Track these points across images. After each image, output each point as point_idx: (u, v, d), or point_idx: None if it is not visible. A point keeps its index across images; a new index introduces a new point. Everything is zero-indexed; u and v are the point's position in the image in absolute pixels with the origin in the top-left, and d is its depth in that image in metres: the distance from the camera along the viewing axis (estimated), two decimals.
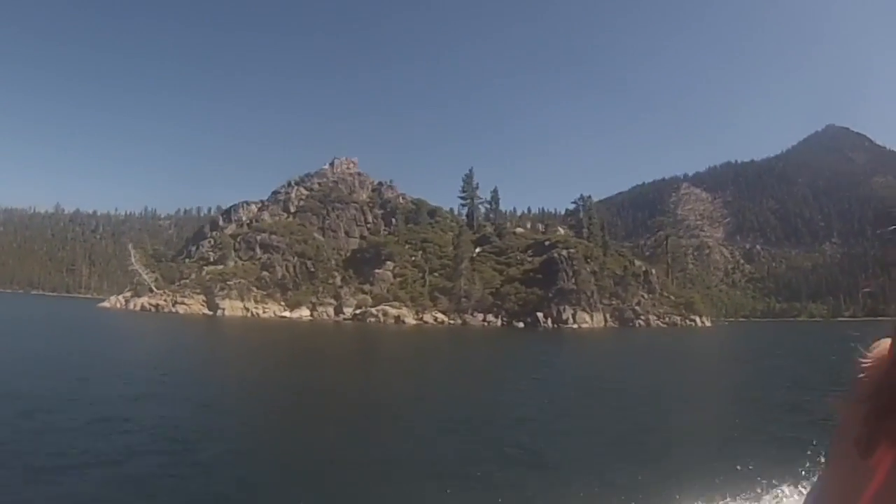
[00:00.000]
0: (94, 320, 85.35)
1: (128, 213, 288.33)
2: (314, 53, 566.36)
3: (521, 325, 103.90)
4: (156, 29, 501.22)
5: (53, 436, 17.27)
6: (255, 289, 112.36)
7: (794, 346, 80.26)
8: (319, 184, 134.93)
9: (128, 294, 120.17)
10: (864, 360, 1.21)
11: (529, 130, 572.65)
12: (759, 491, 10.89)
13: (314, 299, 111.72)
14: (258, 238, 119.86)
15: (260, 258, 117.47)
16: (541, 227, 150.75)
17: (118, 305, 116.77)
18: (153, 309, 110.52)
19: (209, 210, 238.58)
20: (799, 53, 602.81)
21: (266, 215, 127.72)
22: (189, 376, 33.99)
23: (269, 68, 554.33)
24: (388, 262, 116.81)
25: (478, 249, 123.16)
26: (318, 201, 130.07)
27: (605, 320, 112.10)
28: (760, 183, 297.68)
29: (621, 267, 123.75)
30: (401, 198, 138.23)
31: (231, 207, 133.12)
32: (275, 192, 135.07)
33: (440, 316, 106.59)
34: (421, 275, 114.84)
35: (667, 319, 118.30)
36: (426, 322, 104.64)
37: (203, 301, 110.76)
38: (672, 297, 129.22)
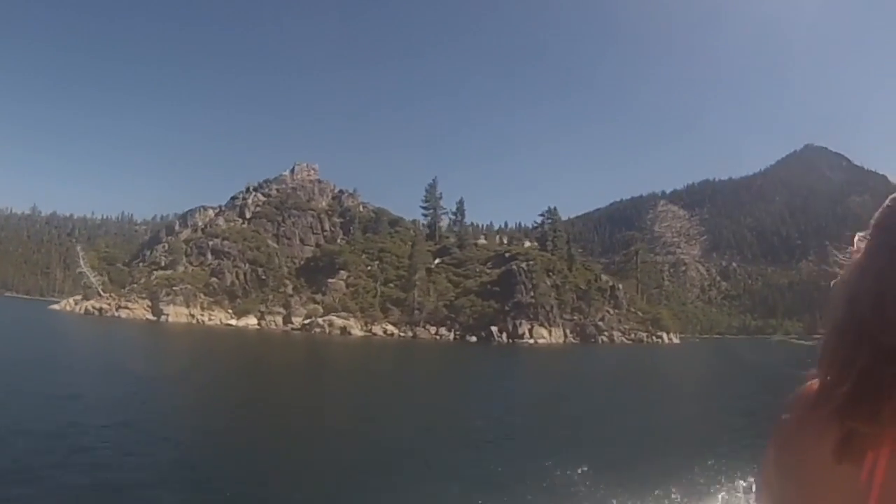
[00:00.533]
0: (28, 322, 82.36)
1: (104, 216, 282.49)
2: (314, 53, 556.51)
3: (473, 339, 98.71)
4: (145, 28, 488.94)
5: None
6: (202, 295, 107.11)
7: (756, 362, 76.03)
8: (278, 190, 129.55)
9: (78, 297, 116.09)
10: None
11: (504, 145, 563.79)
12: None
13: (263, 308, 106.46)
14: (210, 244, 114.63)
15: (210, 264, 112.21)
16: (505, 239, 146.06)
17: (67, 308, 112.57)
18: (97, 312, 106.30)
19: None
20: (777, 72, 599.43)
21: (221, 221, 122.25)
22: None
23: (264, 68, 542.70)
24: (342, 272, 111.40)
25: (437, 260, 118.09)
26: (274, 208, 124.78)
27: (566, 336, 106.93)
28: (738, 201, 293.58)
29: (585, 281, 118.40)
30: (361, 206, 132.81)
31: (188, 212, 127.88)
32: (233, 198, 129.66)
33: (390, 328, 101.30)
34: (375, 285, 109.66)
35: (632, 336, 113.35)
36: (375, 334, 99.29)
37: (148, 306, 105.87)
38: (640, 313, 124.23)
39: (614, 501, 12.53)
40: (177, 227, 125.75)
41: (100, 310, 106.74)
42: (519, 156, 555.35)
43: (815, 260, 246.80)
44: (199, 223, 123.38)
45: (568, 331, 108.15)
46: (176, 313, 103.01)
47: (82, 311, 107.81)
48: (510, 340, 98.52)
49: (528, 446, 22.30)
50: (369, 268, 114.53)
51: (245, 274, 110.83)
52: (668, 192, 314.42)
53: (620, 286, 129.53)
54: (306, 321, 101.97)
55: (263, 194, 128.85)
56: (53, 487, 13.94)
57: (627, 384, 50.93)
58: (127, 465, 16.51)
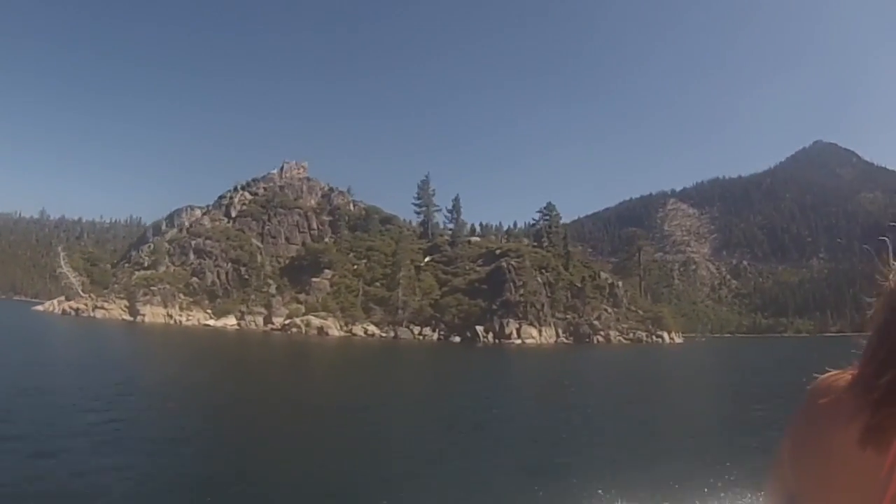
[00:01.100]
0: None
1: (113, 220, 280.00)
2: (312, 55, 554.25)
3: (457, 339, 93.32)
4: (160, 32, 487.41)
5: None
6: (181, 295, 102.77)
7: (761, 362, 74.20)
8: (265, 188, 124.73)
9: (62, 298, 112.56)
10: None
11: (514, 145, 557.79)
12: None
13: (244, 308, 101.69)
14: (193, 243, 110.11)
15: (192, 264, 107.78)
16: (504, 238, 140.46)
17: (51, 309, 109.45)
18: (73, 313, 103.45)
19: None
20: (787, 69, 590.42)
21: (206, 220, 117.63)
22: None
23: (265, 71, 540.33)
24: (327, 271, 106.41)
25: (427, 258, 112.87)
26: (260, 206, 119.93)
27: (558, 335, 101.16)
28: (747, 198, 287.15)
29: (581, 279, 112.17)
30: (351, 204, 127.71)
31: (175, 212, 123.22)
32: (220, 197, 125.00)
33: (372, 328, 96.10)
34: (364, 285, 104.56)
35: (630, 335, 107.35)
36: (355, 334, 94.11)
37: (125, 306, 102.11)
38: (640, 312, 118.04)
39: None
40: (164, 227, 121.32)
41: (76, 310, 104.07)
42: (528, 156, 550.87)
43: (826, 257, 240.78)
44: (186, 223, 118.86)
45: (560, 330, 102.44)
46: (153, 313, 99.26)
47: (59, 312, 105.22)
48: (496, 341, 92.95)
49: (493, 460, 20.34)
50: (356, 267, 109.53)
51: (227, 273, 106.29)
52: (677, 190, 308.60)
53: (620, 283, 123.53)
54: (287, 321, 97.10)
55: (251, 193, 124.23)
56: None
57: (597, 388, 46.47)
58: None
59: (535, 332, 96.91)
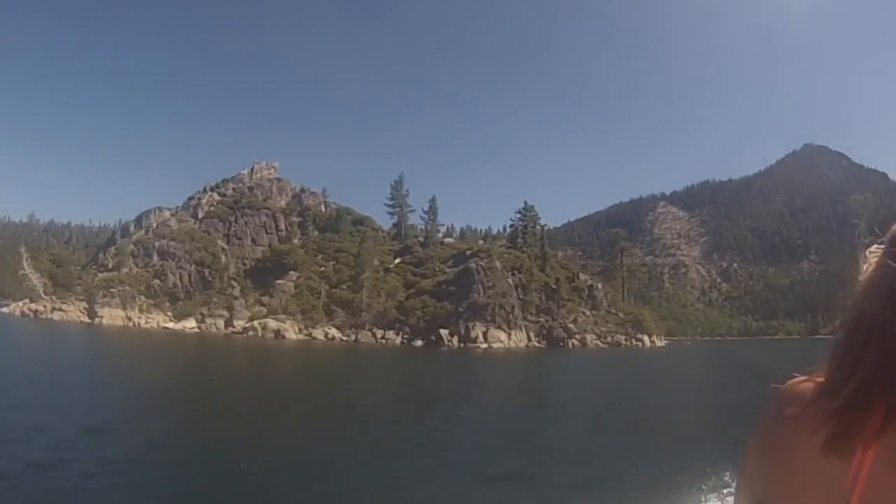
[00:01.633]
0: None
1: (102, 224, 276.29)
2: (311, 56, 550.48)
3: (420, 343, 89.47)
4: (156, 39, 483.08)
5: None
6: (142, 297, 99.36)
7: (739, 366, 71.81)
8: (234, 189, 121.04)
9: (27, 300, 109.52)
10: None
11: (498, 148, 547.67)
12: None
13: (205, 310, 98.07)
14: (156, 245, 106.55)
15: (154, 265, 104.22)
16: (482, 240, 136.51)
17: (16, 311, 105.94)
18: (32, 314, 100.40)
19: None
20: (775, 71, 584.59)
21: (173, 221, 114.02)
22: None
23: (266, 73, 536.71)
24: (292, 273, 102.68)
25: (397, 260, 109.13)
26: (227, 207, 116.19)
27: (529, 339, 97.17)
28: (738, 201, 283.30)
29: (556, 280, 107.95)
30: (323, 205, 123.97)
31: (143, 213, 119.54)
32: (190, 198, 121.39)
33: (333, 331, 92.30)
34: (328, 287, 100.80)
35: (608, 339, 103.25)
36: (315, 338, 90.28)
37: (84, 308, 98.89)
38: (621, 315, 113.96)
39: None
40: (132, 229, 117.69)
41: (35, 312, 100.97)
42: (515, 159, 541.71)
43: (817, 260, 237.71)
44: (154, 224, 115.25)
45: (532, 334, 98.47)
46: (111, 315, 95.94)
47: (17, 313, 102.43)
48: (461, 345, 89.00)
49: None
50: (322, 268, 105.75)
51: (190, 275, 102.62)
52: (667, 193, 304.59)
53: (600, 285, 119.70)
54: (248, 324, 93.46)
55: (219, 194, 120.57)
56: None
57: (545, 394, 44.28)
58: None
59: (503, 336, 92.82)
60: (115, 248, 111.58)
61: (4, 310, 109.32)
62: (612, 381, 55.20)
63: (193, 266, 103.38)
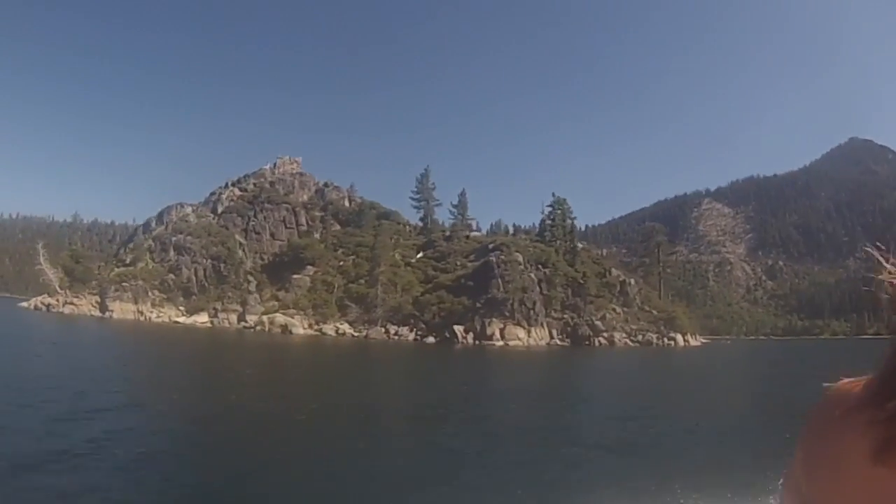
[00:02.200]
0: None
1: (139, 222, 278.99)
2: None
3: (432, 340, 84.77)
4: (172, 40, 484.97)
5: None
6: (155, 292, 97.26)
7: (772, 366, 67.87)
8: (255, 184, 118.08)
9: (44, 294, 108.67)
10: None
11: (548, 150, 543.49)
12: None
13: (218, 305, 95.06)
14: (173, 240, 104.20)
15: (170, 260, 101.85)
16: (511, 234, 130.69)
17: (33, 306, 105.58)
18: (45, 308, 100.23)
19: None
20: (820, 65, 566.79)
21: (192, 217, 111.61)
22: None
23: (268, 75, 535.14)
24: (310, 267, 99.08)
25: (420, 255, 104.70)
26: (247, 202, 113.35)
27: (551, 336, 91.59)
28: (783, 197, 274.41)
29: (583, 275, 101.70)
30: (347, 200, 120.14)
31: (165, 209, 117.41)
32: (211, 194, 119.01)
33: (344, 327, 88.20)
34: (346, 282, 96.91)
35: (639, 337, 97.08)
36: (324, 333, 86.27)
37: (96, 302, 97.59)
38: (654, 312, 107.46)
39: None
40: (153, 225, 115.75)
41: (47, 305, 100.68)
42: (561, 157, 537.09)
43: (862, 257, 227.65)
44: (175, 220, 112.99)
45: (555, 331, 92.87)
46: (122, 309, 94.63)
47: (32, 308, 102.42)
48: (476, 342, 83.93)
49: None
50: (342, 263, 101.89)
51: (205, 270, 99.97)
52: (712, 189, 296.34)
53: (633, 281, 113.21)
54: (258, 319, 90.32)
55: (240, 189, 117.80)
56: None
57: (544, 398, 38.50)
58: None
59: (521, 333, 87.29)
60: (133, 244, 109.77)
61: (24, 304, 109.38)
62: (623, 382, 49.85)
63: (209, 261, 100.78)
